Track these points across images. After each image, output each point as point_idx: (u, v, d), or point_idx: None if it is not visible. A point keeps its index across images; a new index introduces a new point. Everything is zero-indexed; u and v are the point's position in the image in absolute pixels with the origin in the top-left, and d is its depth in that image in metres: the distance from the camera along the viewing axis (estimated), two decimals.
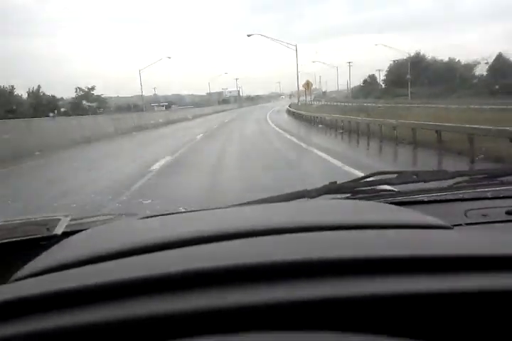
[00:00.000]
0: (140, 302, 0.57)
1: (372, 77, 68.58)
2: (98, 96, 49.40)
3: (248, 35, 42.06)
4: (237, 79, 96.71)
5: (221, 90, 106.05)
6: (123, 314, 0.55)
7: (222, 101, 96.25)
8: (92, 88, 48.71)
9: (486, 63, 48.19)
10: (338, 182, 1.55)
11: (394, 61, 60.14)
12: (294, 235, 0.77)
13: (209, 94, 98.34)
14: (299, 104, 45.41)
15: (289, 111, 42.03)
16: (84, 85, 48.96)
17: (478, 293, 0.56)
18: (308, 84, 40.88)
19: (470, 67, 52.45)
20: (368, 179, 1.57)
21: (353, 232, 0.81)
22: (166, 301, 0.56)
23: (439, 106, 25.08)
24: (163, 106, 70.78)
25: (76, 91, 49.16)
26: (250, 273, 0.61)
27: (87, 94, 48.87)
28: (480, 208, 1.31)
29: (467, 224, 1.20)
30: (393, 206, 1.17)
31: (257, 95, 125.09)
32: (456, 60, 55.42)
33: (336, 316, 0.55)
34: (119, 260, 0.72)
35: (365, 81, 69.08)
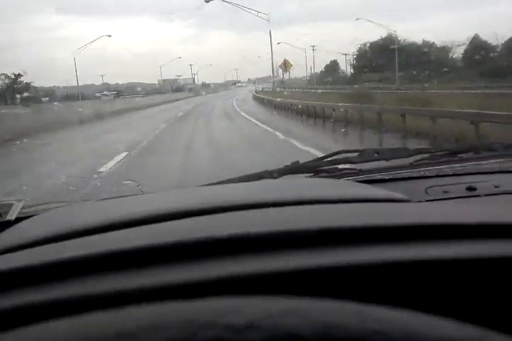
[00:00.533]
0: (103, 278, 0.55)
1: (335, 62, 63.48)
2: (27, 83, 42.04)
3: (206, 1, 35.04)
4: (191, 65, 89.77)
5: (175, 77, 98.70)
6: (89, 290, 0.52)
7: (176, 88, 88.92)
8: (19, 75, 41.27)
9: (470, 43, 43.73)
10: (300, 162, 1.56)
11: (365, 43, 54.85)
12: (258, 210, 0.79)
13: (162, 81, 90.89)
14: (277, 89, 38.15)
15: (257, 98, 35.69)
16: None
17: (437, 261, 0.57)
18: (286, 65, 31.33)
19: (447, 50, 48.11)
20: (330, 158, 1.58)
21: (316, 207, 0.83)
22: (150, 273, 0.55)
23: (464, 91, 19.55)
24: (109, 95, 63.28)
25: (1, 79, 41.71)
26: (216, 246, 0.61)
27: (14, 82, 41.49)
28: (441, 185, 1.32)
29: (428, 200, 1.20)
30: (354, 182, 1.19)
31: (214, 83, 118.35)
32: (431, 43, 51.02)
33: (304, 287, 0.54)
34: (84, 237, 0.71)
35: (326, 66, 63.90)
